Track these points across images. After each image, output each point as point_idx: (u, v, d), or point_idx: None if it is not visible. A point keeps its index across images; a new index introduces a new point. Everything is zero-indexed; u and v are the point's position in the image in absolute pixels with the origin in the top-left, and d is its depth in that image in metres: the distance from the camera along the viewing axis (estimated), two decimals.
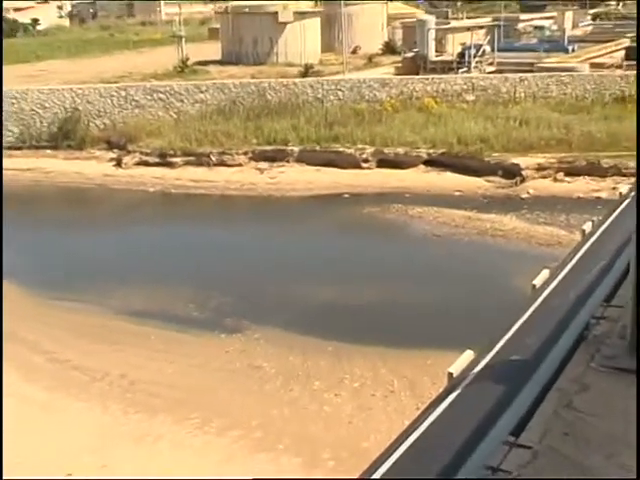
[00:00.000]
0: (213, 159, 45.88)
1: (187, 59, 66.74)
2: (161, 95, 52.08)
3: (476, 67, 57.56)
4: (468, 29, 66.99)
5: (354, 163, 43.81)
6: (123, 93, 52.24)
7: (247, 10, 73.53)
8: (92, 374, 22.45)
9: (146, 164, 46.65)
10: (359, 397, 20.48)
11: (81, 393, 21.38)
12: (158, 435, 19.02)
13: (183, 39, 69.31)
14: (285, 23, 71.57)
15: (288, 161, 45.50)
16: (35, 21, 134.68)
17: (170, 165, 45.99)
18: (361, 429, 18.61)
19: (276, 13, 71.53)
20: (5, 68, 73.70)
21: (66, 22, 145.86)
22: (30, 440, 19.01)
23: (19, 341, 24.82)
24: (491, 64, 58.77)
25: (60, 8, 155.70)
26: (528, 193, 38.67)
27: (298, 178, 43.48)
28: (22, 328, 25.82)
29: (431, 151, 43.38)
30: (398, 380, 21.19)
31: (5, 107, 51.57)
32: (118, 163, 47.45)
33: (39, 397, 21.29)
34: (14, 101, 51.71)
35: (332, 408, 20.09)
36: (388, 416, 19.30)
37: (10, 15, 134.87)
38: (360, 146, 44.47)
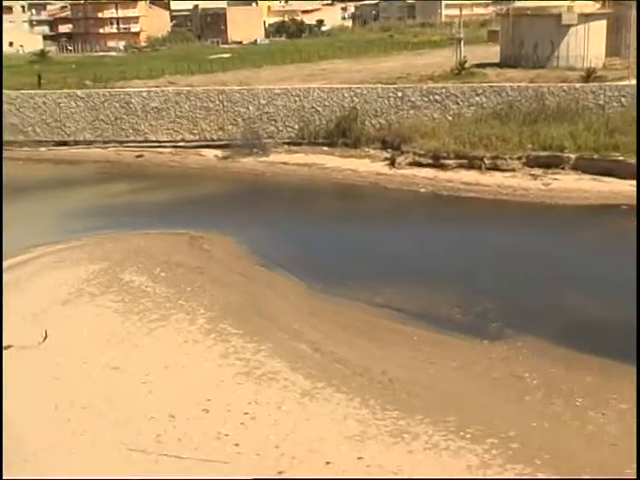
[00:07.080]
0: (486, 163, 45.45)
1: (465, 61, 66.43)
2: (437, 97, 52.33)
3: None
4: None
5: (634, 173, 41.74)
6: (400, 94, 53.00)
7: (529, 12, 72.08)
8: (354, 368, 22.86)
9: (419, 165, 47.08)
10: (626, 419, 19.40)
11: (342, 385, 21.80)
12: (414, 434, 19.02)
13: (462, 41, 69.14)
14: (568, 26, 69.37)
15: (563, 168, 44.21)
16: (320, 22, 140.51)
17: (442, 167, 46.09)
18: (626, 454, 17.54)
19: (559, 15, 69.54)
20: (290, 67, 77.20)
21: (349, 23, 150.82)
22: (289, 424, 19.65)
23: (285, 329, 25.85)
24: None
25: (344, 10, 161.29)
26: None
27: (573, 186, 42.14)
28: (291, 318, 26.88)
29: None
30: None
31: (288, 104, 53.92)
32: (391, 163, 48.22)
33: (302, 384, 21.95)
34: (297, 99, 53.93)
35: (596, 427, 19.21)
36: None
37: (298, 17, 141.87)
38: None
